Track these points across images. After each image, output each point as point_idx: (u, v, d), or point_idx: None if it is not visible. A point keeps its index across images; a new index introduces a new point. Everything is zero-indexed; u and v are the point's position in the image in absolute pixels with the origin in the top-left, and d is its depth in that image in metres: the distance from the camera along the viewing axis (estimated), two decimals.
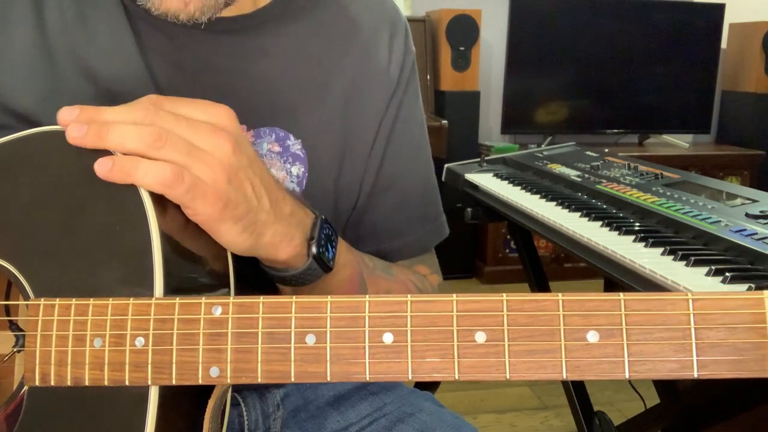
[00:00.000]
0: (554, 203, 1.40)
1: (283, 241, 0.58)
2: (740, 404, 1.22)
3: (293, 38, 0.74)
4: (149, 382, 0.50)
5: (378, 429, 0.78)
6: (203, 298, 0.49)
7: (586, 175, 1.58)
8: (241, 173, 0.54)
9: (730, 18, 3.50)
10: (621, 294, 0.41)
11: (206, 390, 0.53)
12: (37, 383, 0.52)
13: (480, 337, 0.44)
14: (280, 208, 0.58)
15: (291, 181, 0.72)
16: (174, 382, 0.49)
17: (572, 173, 1.61)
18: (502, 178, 1.72)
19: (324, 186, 0.74)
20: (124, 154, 0.52)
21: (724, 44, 3.56)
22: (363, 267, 0.72)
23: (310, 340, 0.46)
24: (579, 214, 1.29)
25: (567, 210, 1.34)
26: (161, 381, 0.50)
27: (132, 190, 0.53)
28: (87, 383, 0.51)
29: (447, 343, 0.44)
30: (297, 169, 0.72)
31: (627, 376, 0.40)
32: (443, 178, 1.96)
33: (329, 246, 0.62)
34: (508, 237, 3.17)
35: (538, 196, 1.48)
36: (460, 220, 1.93)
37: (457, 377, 0.44)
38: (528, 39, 3.27)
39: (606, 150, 1.92)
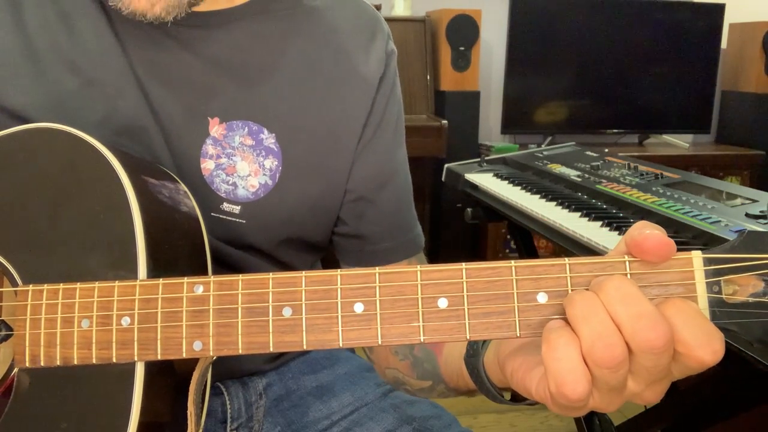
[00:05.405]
0: (554, 203, 1.41)
1: None
2: (740, 404, 1.23)
3: (270, 36, 0.76)
4: (135, 358, 0.52)
5: (360, 417, 0.80)
6: (185, 278, 0.52)
7: (586, 175, 1.59)
8: None
9: (730, 18, 3.49)
10: (566, 259, 0.43)
11: (189, 366, 0.55)
12: (27, 365, 0.54)
13: (442, 302, 0.47)
14: None
15: (264, 174, 0.74)
16: (159, 357, 0.51)
17: (572, 173, 1.62)
18: (502, 178, 1.73)
19: (299, 181, 0.75)
20: None
21: (724, 44, 3.55)
22: None
23: (287, 312, 0.49)
24: (579, 214, 1.30)
25: (567, 210, 1.35)
26: (147, 356, 0.52)
27: (115, 179, 0.56)
28: (76, 362, 0.53)
29: (412, 309, 0.47)
30: (270, 163, 0.74)
31: None
32: (443, 178, 1.97)
33: None
34: (508, 237, 3.16)
35: (538, 196, 1.49)
36: (460, 220, 1.95)
37: (422, 340, 0.47)
38: (528, 39, 3.27)
39: (606, 150, 1.93)
